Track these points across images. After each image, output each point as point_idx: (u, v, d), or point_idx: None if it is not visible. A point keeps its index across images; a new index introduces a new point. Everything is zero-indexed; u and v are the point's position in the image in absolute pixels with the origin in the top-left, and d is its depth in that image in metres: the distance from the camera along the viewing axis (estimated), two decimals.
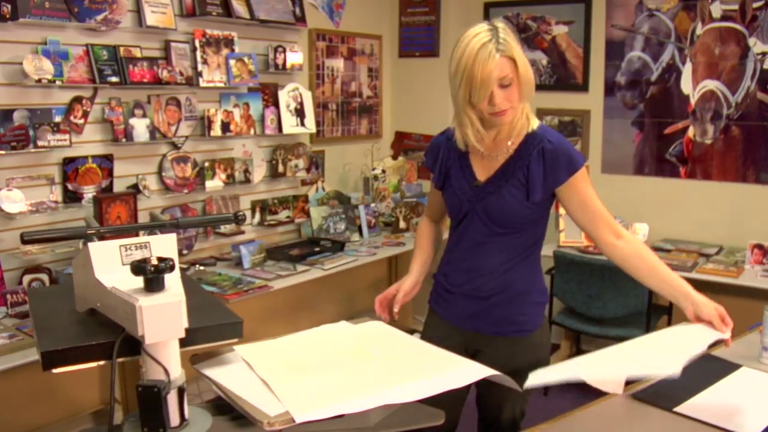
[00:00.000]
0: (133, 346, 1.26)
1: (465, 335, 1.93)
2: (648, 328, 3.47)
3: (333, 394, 1.33)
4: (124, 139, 3.19)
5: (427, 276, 2.07)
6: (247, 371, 1.45)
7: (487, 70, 1.64)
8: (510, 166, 1.81)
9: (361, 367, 1.46)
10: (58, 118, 2.96)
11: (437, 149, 1.95)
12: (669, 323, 3.79)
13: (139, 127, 3.24)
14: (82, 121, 3.06)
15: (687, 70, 3.93)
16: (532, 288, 1.89)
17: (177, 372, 1.27)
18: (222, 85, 3.57)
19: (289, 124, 3.94)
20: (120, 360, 1.28)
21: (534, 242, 1.88)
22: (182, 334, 1.23)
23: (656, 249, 3.90)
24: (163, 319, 1.19)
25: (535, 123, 1.82)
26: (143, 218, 3.22)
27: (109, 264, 1.32)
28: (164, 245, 1.37)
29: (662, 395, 1.75)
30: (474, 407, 2.02)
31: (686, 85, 3.95)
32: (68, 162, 3.02)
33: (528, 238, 1.85)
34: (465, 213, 1.88)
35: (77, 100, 3.04)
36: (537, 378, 1.49)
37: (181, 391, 1.28)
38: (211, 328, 1.37)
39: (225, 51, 3.58)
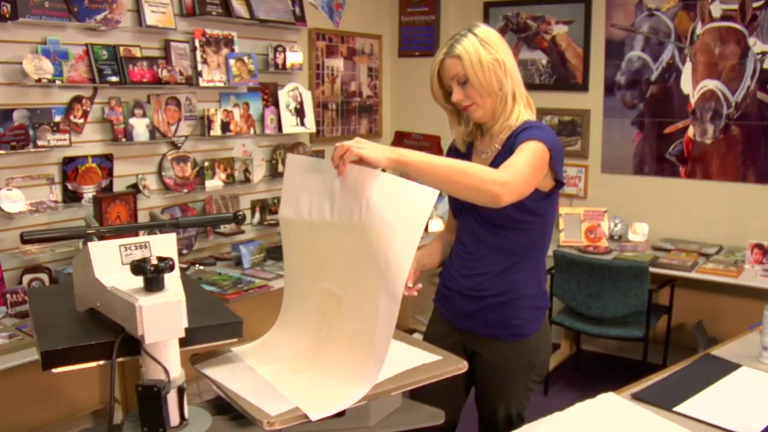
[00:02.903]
0: (133, 345, 1.26)
1: (462, 335, 1.93)
2: (648, 327, 3.47)
3: (338, 386, 1.33)
4: (123, 139, 3.19)
5: (432, 275, 2.07)
6: (247, 371, 1.45)
7: (433, 69, 1.83)
8: (495, 162, 1.83)
9: (348, 347, 1.43)
10: (57, 118, 2.95)
11: (454, 149, 2.01)
12: (669, 323, 3.79)
13: (139, 126, 3.23)
14: (81, 120, 3.06)
15: (687, 70, 3.93)
16: (531, 292, 1.88)
17: (177, 372, 1.27)
18: (222, 84, 3.57)
19: (289, 123, 3.94)
20: (120, 360, 1.28)
21: (533, 244, 1.86)
22: (182, 334, 1.23)
23: (656, 249, 3.90)
24: (162, 319, 1.19)
25: (527, 117, 1.84)
26: (143, 218, 3.22)
27: (109, 264, 1.32)
28: (164, 245, 1.37)
29: (662, 395, 1.75)
30: (474, 406, 2.03)
31: (686, 84, 3.95)
32: (68, 162, 3.02)
33: (527, 239, 1.85)
34: (461, 210, 1.90)
35: (77, 99, 3.04)
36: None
37: (181, 391, 1.28)
38: (211, 327, 1.37)
39: (225, 51, 3.58)
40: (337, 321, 1.43)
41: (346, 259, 1.41)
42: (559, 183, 1.79)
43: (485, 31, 1.80)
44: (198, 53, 3.47)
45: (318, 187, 1.48)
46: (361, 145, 1.42)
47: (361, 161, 1.41)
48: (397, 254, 1.30)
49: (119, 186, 3.24)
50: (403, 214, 1.31)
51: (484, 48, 1.76)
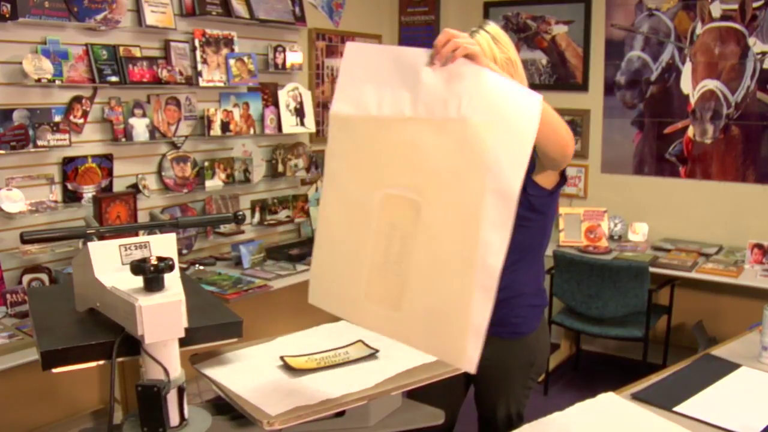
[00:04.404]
0: (133, 345, 1.26)
1: None
2: (648, 327, 3.47)
3: (450, 315, 1.23)
4: (123, 139, 3.18)
5: None
6: (248, 371, 1.45)
7: None
8: None
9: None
10: (57, 118, 2.95)
11: None
12: (669, 322, 3.79)
13: (139, 126, 3.23)
14: (81, 120, 3.06)
15: (687, 70, 3.93)
16: (530, 290, 1.88)
17: (177, 372, 1.27)
18: (222, 84, 3.57)
19: (289, 123, 3.94)
20: (120, 360, 1.28)
21: (533, 242, 1.87)
22: (182, 334, 1.23)
23: (656, 249, 3.90)
24: (162, 319, 1.19)
25: None
26: (143, 218, 3.22)
27: (109, 264, 1.32)
28: (164, 245, 1.37)
29: (662, 395, 1.75)
30: (474, 406, 2.03)
31: (686, 84, 3.95)
32: (68, 162, 3.02)
33: (527, 237, 1.85)
34: None
35: (77, 99, 3.03)
36: None
37: (180, 391, 1.28)
38: (211, 327, 1.37)
39: (225, 50, 3.58)
40: (414, 231, 1.26)
41: (431, 159, 1.24)
42: (563, 179, 1.80)
43: (496, 29, 1.80)
44: (198, 53, 3.47)
45: (392, 78, 1.29)
46: (475, 46, 1.26)
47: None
48: (511, 149, 1.15)
49: (119, 186, 3.24)
50: (514, 111, 1.17)
51: (497, 46, 1.76)
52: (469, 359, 1.20)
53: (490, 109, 1.18)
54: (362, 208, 1.33)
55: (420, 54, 1.27)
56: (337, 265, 1.38)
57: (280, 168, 3.95)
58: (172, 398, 1.26)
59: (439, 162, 1.23)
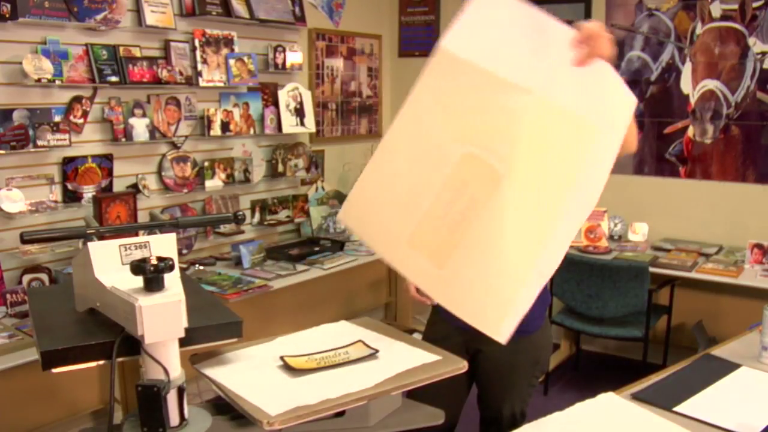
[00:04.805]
0: (133, 345, 1.26)
1: (465, 334, 1.93)
2: (648, 327, 3.47)
3: (499, 288, 1.25)
4: (123, 139, 3.19)
5: None
6: (248, 371, 1.45)
7: None
8: None
9: None
10: (57, 118, 2.95)
11: None
12: (669, 322, 3.79)
13: (139, 126, 3.23)
14: (81, 120, 3.06)
15: (687, 70, 3.93)
16: None
17: (177, 372, 1.27)
18: (222, 84, 3.57)
19: (289, 123, 3.94)
20: (120, 360, 1.28)
21: None
22: (182, 334, 1.23)
23: (656, 249, 3.90)
24: (162, 319, 1.19)
25: None
26: (143, 218, 3.22)
27: (109, 263, 1.32)
28: (164, 245, 1.37)
29: (662, 395, 1.75)
30: (476, 406, 2.03)
31: (686, 84, 3.95)
32: (68, 162, 3.02)
33: None
34: None
35: (77, 99, 3.03)
36: None
37: (180, 391, 1.28)
38: (211, 327, 1.37)
39: (225, 50, 3.58)
40: (485, 198, 1.21)
41: (532, 138, 1.19)
42: None
43: None
44: (198, 53, 3.47)
45: (523, 40, 1.22)
46: (612, 49, 1.22)
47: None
48: (606, 153, 1.18)
49: (119, 186, 3.24)
50: (621, 118, 1.19)
51: None
52: (503, 332, 1.21)
53: (606, 113, 1.18)
54: (437, 154, 1.26)
55: (561, 30, 1.22)
56: (387, 197, 1.32)
57: (280, 168, 3.95)
58: (172, 398, 1.26)
59: (540, 144, 1.19)
